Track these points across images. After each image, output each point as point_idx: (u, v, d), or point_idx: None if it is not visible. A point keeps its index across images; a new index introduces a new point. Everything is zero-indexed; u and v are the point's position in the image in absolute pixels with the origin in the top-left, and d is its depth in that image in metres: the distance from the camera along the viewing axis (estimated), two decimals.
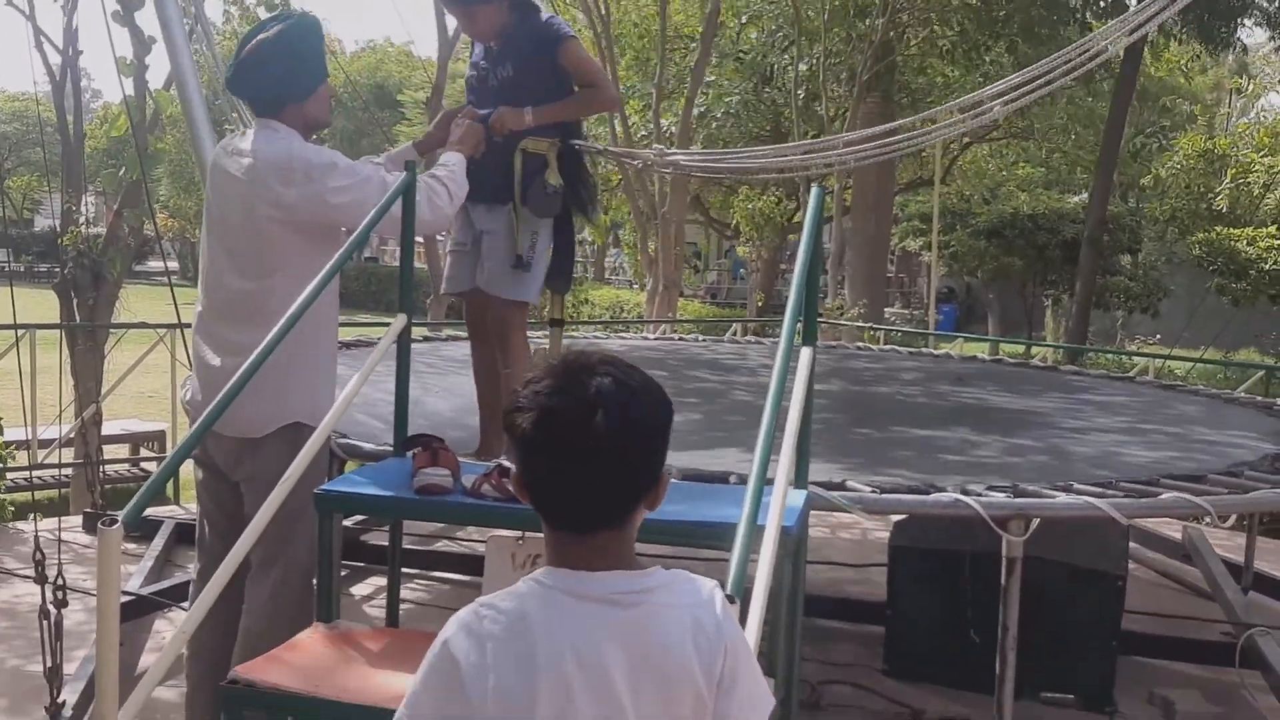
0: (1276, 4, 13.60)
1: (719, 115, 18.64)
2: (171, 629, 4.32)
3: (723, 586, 1.58)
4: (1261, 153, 18.38)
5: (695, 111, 16.62)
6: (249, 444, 3.16)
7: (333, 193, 3.16)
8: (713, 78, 18.18)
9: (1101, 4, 14.39)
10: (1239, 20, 14.20)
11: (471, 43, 4.26)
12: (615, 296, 24.79)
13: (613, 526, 1.50)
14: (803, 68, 16.69)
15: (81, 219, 8.68)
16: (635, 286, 25.94)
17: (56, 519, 6.25)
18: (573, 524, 1.50)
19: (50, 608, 3.21)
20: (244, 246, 3.24)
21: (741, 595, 1.77)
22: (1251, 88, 29.91)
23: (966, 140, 20.77)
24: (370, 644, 2.79)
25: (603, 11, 14.85)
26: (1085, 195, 19.10)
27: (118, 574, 2.11)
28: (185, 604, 3.88)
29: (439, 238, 11.28)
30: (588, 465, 1.46)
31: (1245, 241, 16.06)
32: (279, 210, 3.16)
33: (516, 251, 3.83)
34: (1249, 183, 18.02)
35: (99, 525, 2.12)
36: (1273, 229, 16.38)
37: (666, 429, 1.54)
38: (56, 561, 3.50)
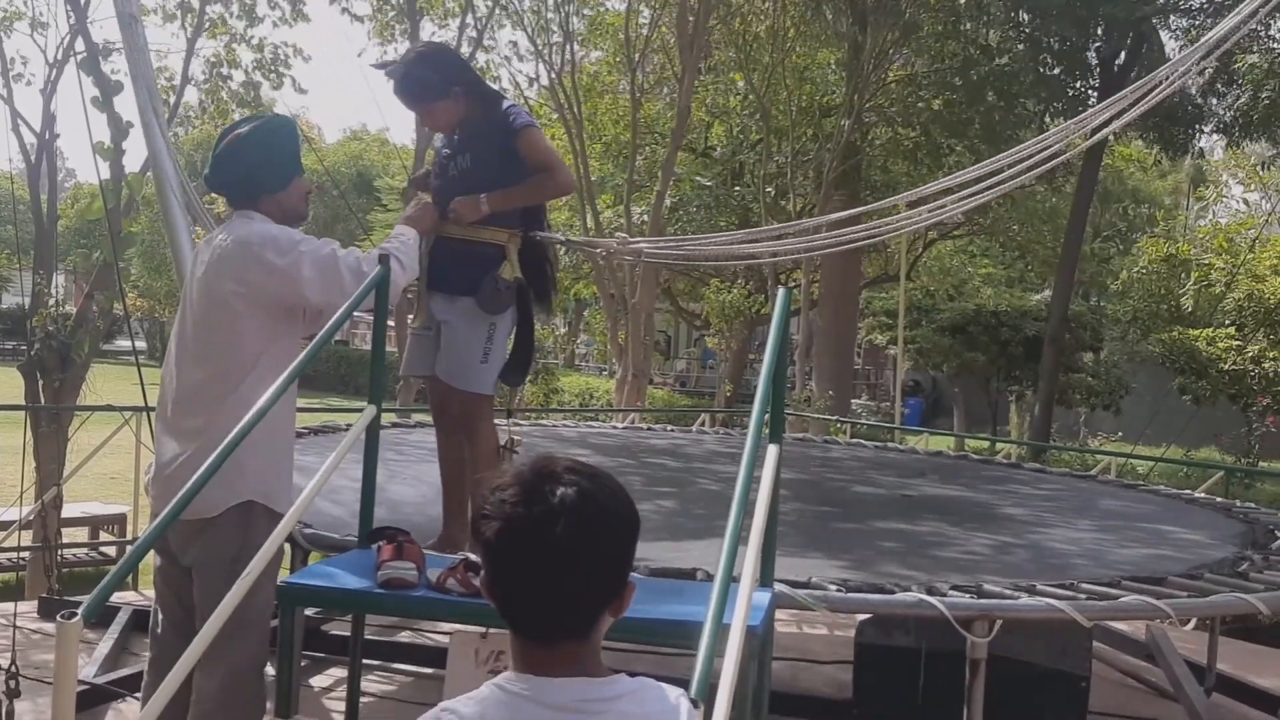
0: (1232, 113, 14.06)
1: (692, 209, 18.94)
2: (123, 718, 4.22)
3: (686, 686, 1.58)
4: (1221, 255, 18.83)
5: (667, 204, 16.90)
6: (201, 524, 3.10)
7: (302, 274, 3.19)
8: (683, 169, 18.52)
9: (1059, 105, 14.83)
10: (1197, 127, 14.68)
11: None
12: (586, 384, 24.83)
13: (576, 636, 1.50)
14: (771, 166, 17.03)
15: (51, 300, 8.65)
16: (605, 373, 26.00)
17: (12, 604, 6.12)
18: (536, 633, 1.50)
19: (2, 697, 3.15)
20: (204, 328, 3.25)
21: (706, 696, 1.77)
22: (1213, 194, 30.70)
23: (931, 236, 21.17)
24: None
25: (576, 111, 15.16)
26: (1047, 293, 19.45)
27: (74, 669, 2.07)
28: (139, 694, 3.80)
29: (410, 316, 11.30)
30: (549, 576, 1.47)
31: (1205, 342, 16.36)
32: (243, 286, 3.18)
33: (473, 344, 3.82)
34: (1210, 283, 18.41)
35: (58, 619, 2.08)
36: (1231, 330, 16.71)
37: (631, 541, 1.54)
38: (11, 649, 3.43)
